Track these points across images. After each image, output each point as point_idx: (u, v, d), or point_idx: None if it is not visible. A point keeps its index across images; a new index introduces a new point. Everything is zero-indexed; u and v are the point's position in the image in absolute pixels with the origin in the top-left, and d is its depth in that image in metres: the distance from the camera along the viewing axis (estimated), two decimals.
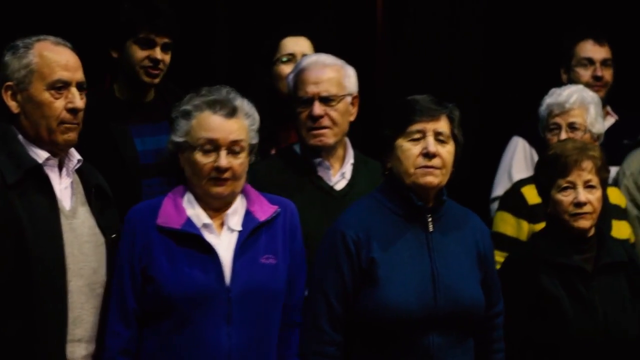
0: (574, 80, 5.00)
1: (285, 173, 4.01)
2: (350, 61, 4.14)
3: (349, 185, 4.04)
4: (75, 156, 3.53)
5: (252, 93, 3.77)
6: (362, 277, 3.51)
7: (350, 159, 4.08)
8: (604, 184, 3.94)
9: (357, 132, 4.25)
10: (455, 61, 5.63)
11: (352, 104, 4.06)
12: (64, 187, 3.50)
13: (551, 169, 3.90)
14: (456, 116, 3.60)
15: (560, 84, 4.82)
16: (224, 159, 3.49)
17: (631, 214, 4.64)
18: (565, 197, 3.85)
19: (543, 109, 4.48)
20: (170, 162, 3.60)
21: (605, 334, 3.79)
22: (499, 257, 4.10)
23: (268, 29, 4.94)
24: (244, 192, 3.60)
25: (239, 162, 3.52)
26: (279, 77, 4.50)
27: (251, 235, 3.53)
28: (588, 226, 3.86)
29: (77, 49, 3.53)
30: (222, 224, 3.54)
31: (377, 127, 3.68)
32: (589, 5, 5.63)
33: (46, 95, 3.44)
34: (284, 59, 4.56)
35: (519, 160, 4.97)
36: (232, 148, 3.51)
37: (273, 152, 4.32)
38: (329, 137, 3.99)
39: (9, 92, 3.46)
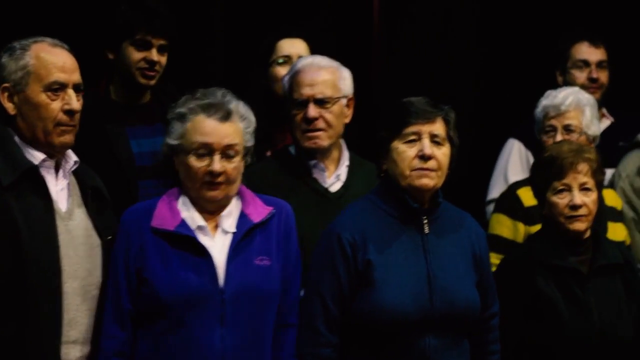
0: (569, 82, 5.00)
1: (280, 175, 4.01)
2: (346, 63, 4.14)
3: (344, 187, 4.04)
4: (71, 158, 3.53)
5: (249, 95, 3.78)
6: (358, 279, 3.52)
7: (345, 161, 4.08)
8: (600, 186, 3.95)
9: (353, 134, 4.25)
10: (451, 63, 5.63)
11: (348, 106, 4.06)
12: (60, 188, 3.50)
13: (547, 172, 3.90)
14: (452, 118, 3.61)
15: (556, 86, 4.83)
16: (218, 164, 3.49)
17: (627, 216, 4.64)
18: (561, 200, 3.86)
19: (539, 111, 4.48)
20: (166, 164, 3.60)
21: (600, 335, 3.79)
22: (496, 259, 4.10)
23: (265, 31, 4.94)
24: (239, 193, 3.60)
25: (233, 166, 3.52)
26: (274, 78, 4.50)
27: (245, 237, 3.53)
28: (583, 229, 3.87)
29: (73, 51, 3.53)
30: (216, 226, 3.54)
31: (373, 129, 3.68)
32: (585, 7, 5.63)
33: (43, 97, 3.44)
34: (280, 60, 4.55)
35: (514, 162, 4.98)
36: (226, 152, 3.50)
37: (269, 153, 4.32)
38: (323, 139, 3.99)
39: (6, 94, 3.46)
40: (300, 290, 3.64)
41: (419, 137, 3.53)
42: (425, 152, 3.51)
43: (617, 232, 4.41)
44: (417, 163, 3.52)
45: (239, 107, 3.56)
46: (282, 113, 4.12)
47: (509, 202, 4.41)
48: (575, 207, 3.83)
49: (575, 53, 5.12)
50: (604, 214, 4.31)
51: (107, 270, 3.52)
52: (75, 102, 3.46)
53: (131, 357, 3.51)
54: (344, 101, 4.04)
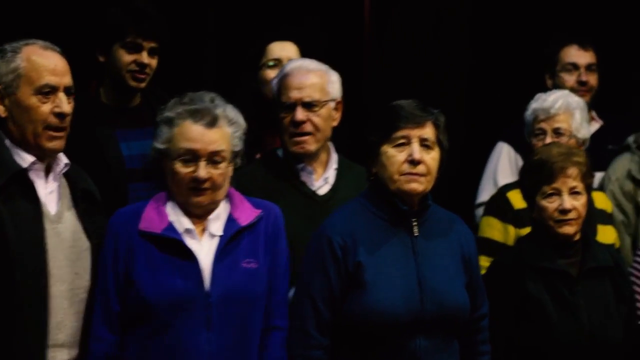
0: (559, 85, 5.00)
1: (268, 178, 4.01)
2: (337, 65, 4.14)
3: (332, 190, 4.04)
4: (62, 160, 3.53)
5: (239, 97, 3.77)
6: (348, 281, 3.52)
7: (333, 164, 4.08)
8: (589, 190, 3.95)
9: (343, 136, 4.25)
10: (441, 66, 5.64)
11: (336, 109, 4.07)
12: (50, 191, 3.49)
13: (536, 175, 3.90)
14: (441, 122, 3.61)
15: (545, 89, 4.82)
16: (203, 170, 3.49)
17: (617, 219, 4.65)
18: (551, 204, 3.86)
19: (528, 114, 4.48)
20: (155, 167, 3.60)
21: (589, 338, 3.80)
22: (486, 262, 4.11)
23: (256, 33, 4.94)
24: (228, 196, 3.60)
25: (219, 172, 3.51)
26: (265, 81, 4.49)
27: (232, 240, 3.53)
28: (573, 232, 3.87)
29: (64, 53, 3.52)
30: (204, 230, 3.55)
31: (363, 132, 3.69)
32: (574, 10, 5.65)
33: (33, 100, 3.43)
34: (270, 63, 4.55)
35: (503, 165, 4.98)
36: (212, 158, 3.50)
37: (259, 156, 4.32)
38: (310, 144, 3.99)
39: None
40: (290, 290, 3.64)
41: (408, 141, 3.54)
42: (414, 156, 3.52)
43: (606, 234, 4.42)
44: (406, 167, 3.53)
45: (227, 111, 3.56)
46: (272, 116, 4.11)
47: (499, 205, 4.41)
48: (564, 212, 3.84)
49: (565, 56, 5.13)
50: (594, 216, 4.31)
51: (96, 273, 3.53)
52: (65, 105, 3.46)
53: (120, 359, 3.50)
54: (332, 104, 4.04)
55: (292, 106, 3.98)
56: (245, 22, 5.30)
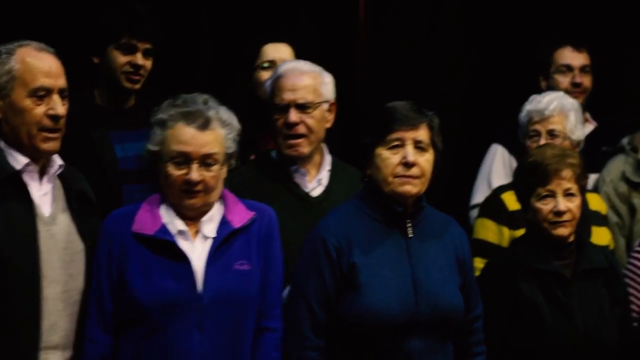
0: (553, 87, 5.00)
1: (261, 180, 4.01)
2: (331, 67, 4.14)
3: (325, 191, 4.04)
4: (56, 162, 3.52)
5: (233, 99, 3.77)
6: (343, 282, 3.52)
7: (327, 166, 4.08)
8: (583, 191, 3.95)
9: (338, 138, 4.25)
10: (435, 68, 5.64)
11: (329, 110, 4.06)
12: (44, 193, 3.49)
13: (530, 177, 3.90)
14: (436, 124, 3.61)
15: (539, 90, 4.82)
16: (195, 173, 3.49)
17: (611, 221, 4.66)
18: (545, 206, 3.86)
19: (523, 115, 4.48)
20: (149, 168, 3.59)
21: (583, 339, 3.80)
22: (481, 263, 4.09)
23: (250, 35, 4.94)
24: (222, 198, 3.60)
25: (211, 175, 3.51)
26: (259, 83, 4.50)
27: (225, 242, 3.53)
28: (567, 234, 3.87)
29: (58, 55, 3.51)
30: (197, 231, 3.54)
31: (357, 133, 3.68)
32: (568, 12, 5.65)
33: (27, 102, 3.42)
34: (264, 65, 4.56)
35: (498, 167, 4.98)
36: (205, 161, 3.50)
37: (253, 157, 4.32)
38: (304, 146, 3.99)
39: None
40: (285, 288, 3.64)
41: (402, 143, 3.54)
42: (408, 159, 3.52)
43: (601, 236, 4.42)
44: (400, 170, 3.53)
45: (220, 113, 3.55)
46: (266, 117, 4.11)
47: (493, 207, 4.41)
48: (559, 213, 3.84)
49: (559, 58, 5.13)
50: (588, 218, 4.32)
51: (90, 275, 3.52)
52: (60, 107, 3.45)
53: None
54: (325, 106, 4.04)
55: (285, 108, 3.98)
56: (239, 24, 5.30)
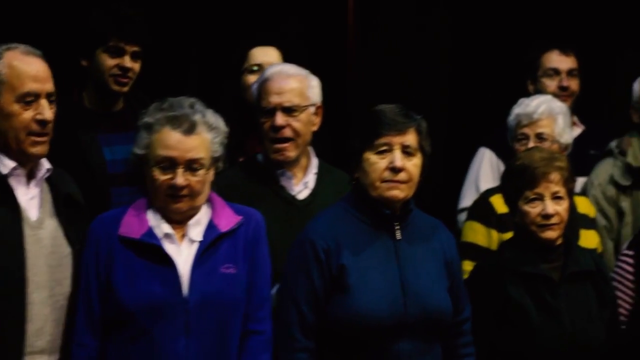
0: (540, 90, 4.99)
1: (247, 183, 4.00)
2: (320, 70, 4.14)
3: (312, 194, 4.04)
4: (44, 165, 3.51)
5: (221, 102, 3.76)
6: (332, 284, 3.53)
7: (313, 169, 4.08)
8: (571, 194, 3.96)
9: (326, 141, 4.26)
10: (424, 71, 5.65)
11: (316, 114, 4.06)
12: (31, 197, 3.47)
13: (518, 180, 3.90)
14: (424, 128, 3.61)
15: (527, 94, 4.83)
16: (180, 177, 3.47)
17: (599, 224, 4.66)
18: (533, 209, 3.87)
19: (511, 119, 4.48)
20: (136, 171, 3.59)
21: (571, 342, 3.80)
22: (470, 266, 4.11)
23: (238, 38, 4.94)
24: (210, 202, 3.59)
25: (197, 180, 3.50)
26: (246, 86, 4.50)
27: (211, 246, 3.52)
28: (555, 237, 3.88)
29: (46, 57, 3.50)
30: (184, 235, 3.54)
31: (345, 138, 3.69)
32: (555, 15, 5.67)
33: (15, 107, 3.41)
34: (252, 68, 4.56)
35: (485, 171, 4.97)
36: (190, 166, 3.49)
37: (241, 160, 4.32)
38: (290, 150, 3.98)
39: None
40: (273, 287, 3.64)
41: (390, 148, 3.54)
42: (395, 164, 3.52)
43: (589, 239, 4.41)
44: (387, 175, 3.53)
45: (206, 117, 3.54)
46: (254, 121, 4.11)
47: (482, 210, 4.40)
48: (547, 216, 3.84)
49: (546, 61, 5.13)
50: (576, 221, 4.32)
51: (77, 280, 3.51)
52: (47, 111, 3.43)
53: None
54: (312, 109, 4.03)
55: (272, 111, 3.98)
56: (228, 27, 5.30)
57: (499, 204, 4.27)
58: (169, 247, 3.49)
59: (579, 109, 5.15)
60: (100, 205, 3.91)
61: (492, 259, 4.04)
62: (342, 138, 3.85)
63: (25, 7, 4.86)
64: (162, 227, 3.51)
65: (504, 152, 4.65)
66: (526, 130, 4.43)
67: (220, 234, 3.54)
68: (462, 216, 4.79)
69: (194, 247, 3.51)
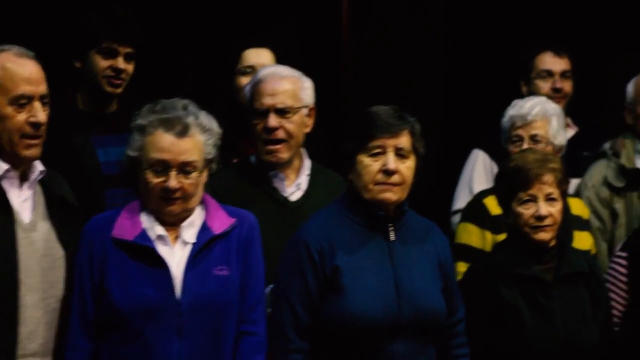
0: (534, 92, 5.00)
1: (240, 184, 4.00)
2: (314, 72, 4.14)
3: (304, 196, 4.04)
4: (37, 167, 3.50)
5: (215, 103, 3.76)
6: (326, 284, 3.53)
7: (306, 170, 4.08)
8: (564, 196, 3.96)
9: (321, 143, 4.26)
10: (417, 73, 5.65)
11: (309, 115, 4.06)
12: (24, 199, 3.47)
13: (512, 182, 3.90)
14: (417, 130, 3.61)
15: (520, 96, 4.81)
16: (173, 180, 3.47)
17: (593, 226, 4.67)
18: (526, 210, 3.87)
19: (506, 120, 4.47)
20: (130, 173, 3.58)
21: (564, 343, 3.80)
22: (465, 268, 4.10)
23: (232, 39, 4.94)
24: (203, 203, 3.59)
25: (190, 182, 3.49)
26: (239, 88, 4.50)
27: (205, 248, 3.52)
28: (548, 238, 3.88)
29: (39, 59, 3.49)
30: (177, 237, 3.53)
31: (339, 139, 3.69)
32: (549, 17, 5.67)
33: (9, 110, 3.39)
34: (245, 70, 4.56)
35: (479, 173, 4.97)
36: (184, 169, 3.48)
37: (235, 161, 4.32)
38: (283, 152, 3.99)
39: None
40: (266, 288, 3.64)
41: (383, 150, 3.54)
42: (388, 167, 3.52)
43: (583, 241, 4.41)
44: (380, 177, 3.53)
45: (199, 119, 3.53)
46: (247, 122, 4.11)
47: (476, 211, 4.40)
48: (540, 218, 3.84)
49: (539, 63, 5.13)
50: (570, 223, 4.32)
51: (70, 282, 3.50)
52: (41, 114, 3.42)
53: None
54: (305, 111, 4.04)
55: (265, 112, 3.98)
56: (222, 28, 5.30)
57: (492, 206, 4.27)
58: (162, 249, 3.49)
59: (572, 111, 5.15)
60: (94, 207, 3.90)
61: (485, 261, 4.04)
62: (337, 139, 3.85)
63: (19, 9, 4.85)
64: (155, 229, 3.51)
65: (498, 153, 4.65)
66: (520, 132, 4.42)
67: (214, 236, 3.53)
68: (456, 218, 4.79)
69: (187, 249, 3.51)
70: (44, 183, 3.54)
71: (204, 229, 3.54)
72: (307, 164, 4.10)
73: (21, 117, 3.40)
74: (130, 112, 4.03)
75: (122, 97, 4.30)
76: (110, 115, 4.29)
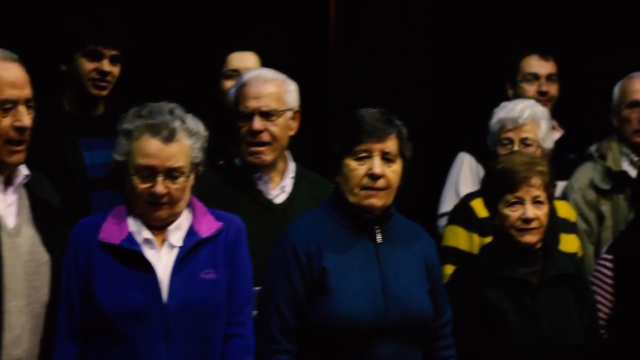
0: (519, 95, 4.98)
1: (224, 187, 4.00)
2: (301, 75, 4.14)
3: (289, 199, 4.04)
4: (22, 172, 3.48)
5: (201, 106, 3.76)
6: (313, 286, 3.53)
7: (290, 173, 4.09)
8: (551, 199, 3.97)
9: (307, 146, 4.25)
10: (404, 76, 5.66)
11: (293, 118, 4.06)
12: (8, 204, 3.45)
13: (499, 184, 3.90)
14: (404, 134, 3.61)
15: (506, 99, 4.81)
16: (160, 186, 3.46)
17: (580, 228, 4.67)
18: (513, 213, 3.87)
19: (494, 122, 4.47)
20: (116, 176, 3.57)
21: (550, 346, 3.81)
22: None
23: (219, 42, 4.94)
24: (191, 207, 3.59)
25: (177, 187, 3.49)
26: (224, 91, 4.50)
27: (191, 251, 3.51)
28: (535, 241, 3.88)
29: (25, 62, 3.47)
30: (164, 240, 3.53)
31: (326, 142, 3.69)
32: (535, 20, 5.68)
33: None
34: (229, 73, 4.56)
35: (465, 176, 4.96)
36: (170, 174, 3.47)
37: (222, 163, 4.32)
38: (267, 154, 3.99)
39: None
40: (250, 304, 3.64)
41: (369, 154, 3.54)
42: (374, 171, 3.53)
43: (570, 243, 4.42)
44: (366, 181, 3.54)
45: (186, 123, 3.52)
46: (232, 125, 4.11)
47: (463, 214, 4.40)
48: (527, 221, 3.85)
49: (525, 66, 5.12)
50: (557, 225, 4.33)
51: (54, 287, 3.49)
52: (26, 118, 3.40)
53: None
54: (289, 114, 4.04)
55: (249, 115, 3.98)
56: (209, 31, 5.29)
57: (479, 208, 4.26)
58: (149, 253, 3.48)
59: (558, 113, 5.16)
60: (80, 210, 3.90)
61: (471, 263, 4.04)
62: (323, 142, 3.85)
63: (3, 12, 4.83)
64: (142, 233, 3.50)
65: (484, 156, 4.65)
66: (511, 135, 4.42)
67: (201, 239, 3.53)
68: (443, 221, 4.79)
69: (174, 253, 3.50)
70: (29, 187, 3.52)
71: (191, 232, 3.53)
72: (292, 166, 4.10)
73: (6, 122, 3.38)
74: (117, 115, 4.01)
75: (108, 100, 4.29)
76: (97, 118, 4.29)
